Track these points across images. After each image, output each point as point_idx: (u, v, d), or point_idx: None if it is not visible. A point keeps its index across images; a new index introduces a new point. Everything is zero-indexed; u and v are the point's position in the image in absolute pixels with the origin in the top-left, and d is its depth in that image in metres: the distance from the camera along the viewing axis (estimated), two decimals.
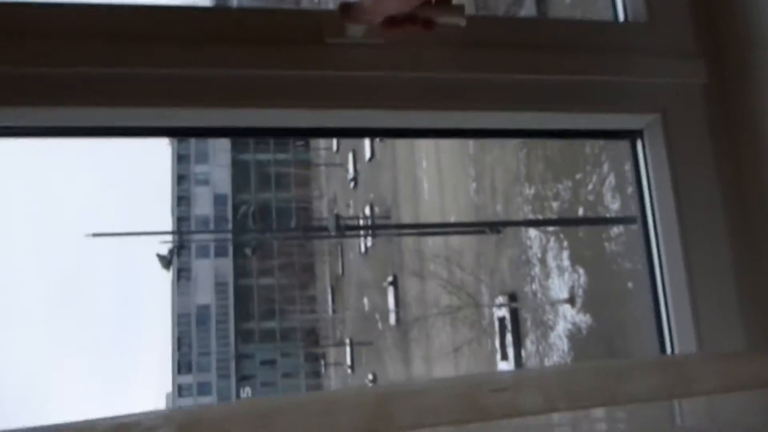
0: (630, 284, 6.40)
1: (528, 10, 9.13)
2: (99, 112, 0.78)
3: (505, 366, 8.92)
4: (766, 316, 0.87)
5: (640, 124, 0.89)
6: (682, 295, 0.81)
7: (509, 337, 8.93)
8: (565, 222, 8.21)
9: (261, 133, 0.84)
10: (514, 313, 8.95)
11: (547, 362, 8.09)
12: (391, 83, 0.80)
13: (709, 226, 0.82)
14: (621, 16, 0.92)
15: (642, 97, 0.86)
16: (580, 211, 7.82)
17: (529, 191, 9.09)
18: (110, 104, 0.77)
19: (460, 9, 0.72)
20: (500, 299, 9.35)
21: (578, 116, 0.86)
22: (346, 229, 14.12)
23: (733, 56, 0.84)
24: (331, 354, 22.65)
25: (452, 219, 11.93)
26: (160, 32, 0.77)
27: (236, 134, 0.83)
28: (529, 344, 8.64)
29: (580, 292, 7.59)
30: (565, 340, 7.79)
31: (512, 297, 9.08)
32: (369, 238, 15.76)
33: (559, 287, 8.00)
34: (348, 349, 19.25)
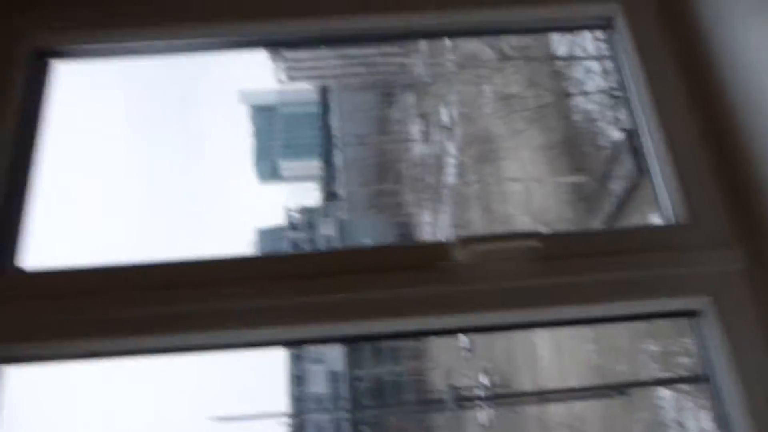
0: None
1: (625, 165, 9.37)
2: (236, 333, 1.08)
3: None
4: None
5: (697, 305, 1.07)
6: None
7: None
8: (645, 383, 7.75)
9: (378, 338, 1.09)
10: None
11: None
12: (488, 292, 1.04)
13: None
14: (672, 220, 1.14)
15: (695, 283, 1.04)
16: None
17: (654, 348, 8.73)
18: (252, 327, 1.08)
19: (535, 235, 0.96)
20: None
21: (646, 302, 1.06)
22: (463, 400, 13.79)
23: None
24: None
25: (573, 384, 11.44)
26: (304, 272, 1.07)
27: (353, 341, 1.10)
28: None
29: None
30: None
31: None
32: (488, 410, 15.21)
33: None
34: None
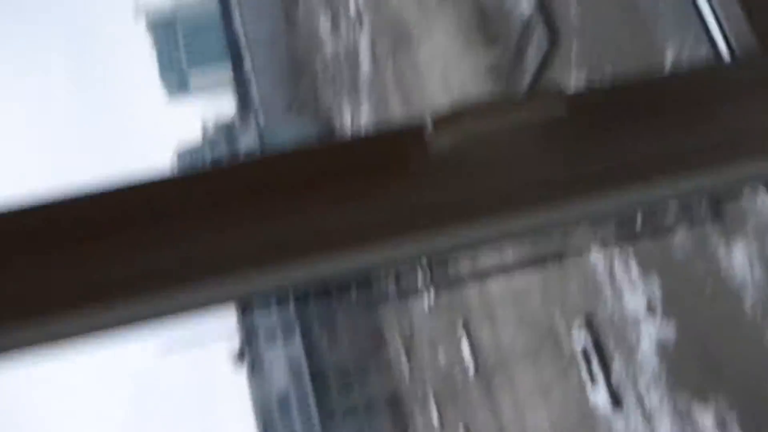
0: (711, 285, 6.14)
1: (538, 34, 9.21)
2: None
3: (599, 396, 8.59)
4: None
5: None
6: None
7: (595, 365, 8.63)
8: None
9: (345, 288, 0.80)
10: (597, 341, 8.66)
11: (641, 381, 7.78)
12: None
13: None
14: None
15: None
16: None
17: None
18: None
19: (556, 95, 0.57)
20: (577, 328, 9.09)
21: None
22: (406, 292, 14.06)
23: None
24: (418, 418, 22.20)
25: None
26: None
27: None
28: (617, 368, 8.32)
29: (657, 302, 7.32)
30: (654, 357, 7.47)
31: (589, 323, 8.82)
32: (431, 296, 15.64)
33: (635, 302, 7.74)
34: (434, 409, 18.87)
